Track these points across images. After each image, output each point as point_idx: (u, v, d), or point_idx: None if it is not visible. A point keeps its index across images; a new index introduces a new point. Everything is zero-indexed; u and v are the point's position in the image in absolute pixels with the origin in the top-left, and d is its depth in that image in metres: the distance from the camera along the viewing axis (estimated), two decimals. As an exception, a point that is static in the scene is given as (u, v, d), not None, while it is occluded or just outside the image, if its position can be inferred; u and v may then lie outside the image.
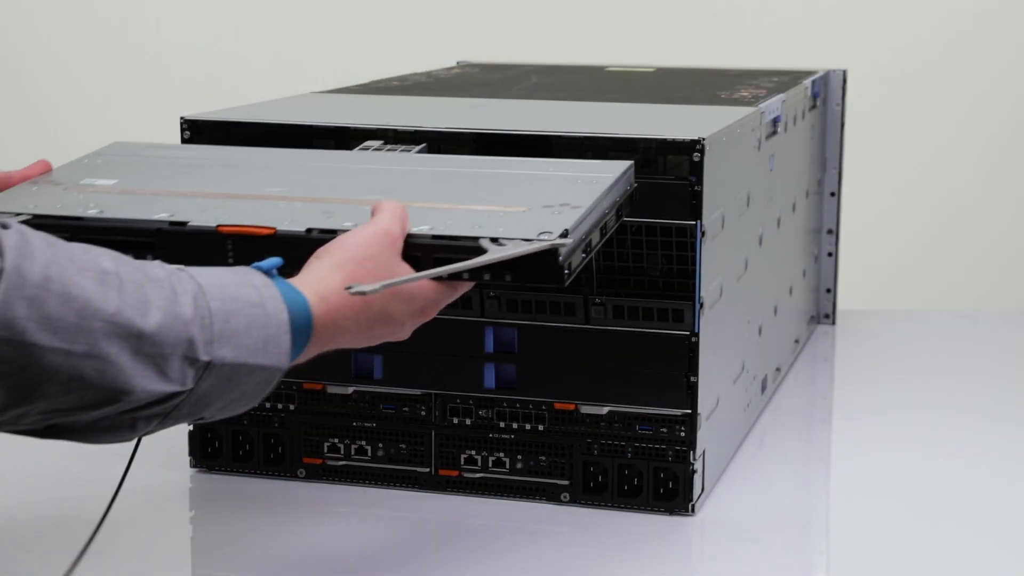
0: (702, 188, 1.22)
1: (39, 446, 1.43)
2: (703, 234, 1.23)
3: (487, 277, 1.01)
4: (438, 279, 1.02)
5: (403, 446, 1.30)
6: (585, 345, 1.26)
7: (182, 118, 1.33)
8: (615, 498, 1.26)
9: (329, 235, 1.04)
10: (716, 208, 1.27)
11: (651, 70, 1.87)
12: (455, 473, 1.29)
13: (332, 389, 1.31)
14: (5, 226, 0.87)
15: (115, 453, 1.39)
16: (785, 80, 1.72)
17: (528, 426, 1.28)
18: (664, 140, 1.23)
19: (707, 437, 1.28)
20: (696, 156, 1.21)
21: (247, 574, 1.16)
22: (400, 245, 1.03)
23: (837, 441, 1.50)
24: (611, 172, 1.16)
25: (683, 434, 1.25)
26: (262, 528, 1.23)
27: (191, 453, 1.34)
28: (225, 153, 1.27)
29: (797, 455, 1.46)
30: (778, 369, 1.62)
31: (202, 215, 1.09)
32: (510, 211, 1.08)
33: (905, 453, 1.43)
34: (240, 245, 1.07)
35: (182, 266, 0.94)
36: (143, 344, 0.88)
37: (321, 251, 1.01)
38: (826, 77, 1.85)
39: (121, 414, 0.91)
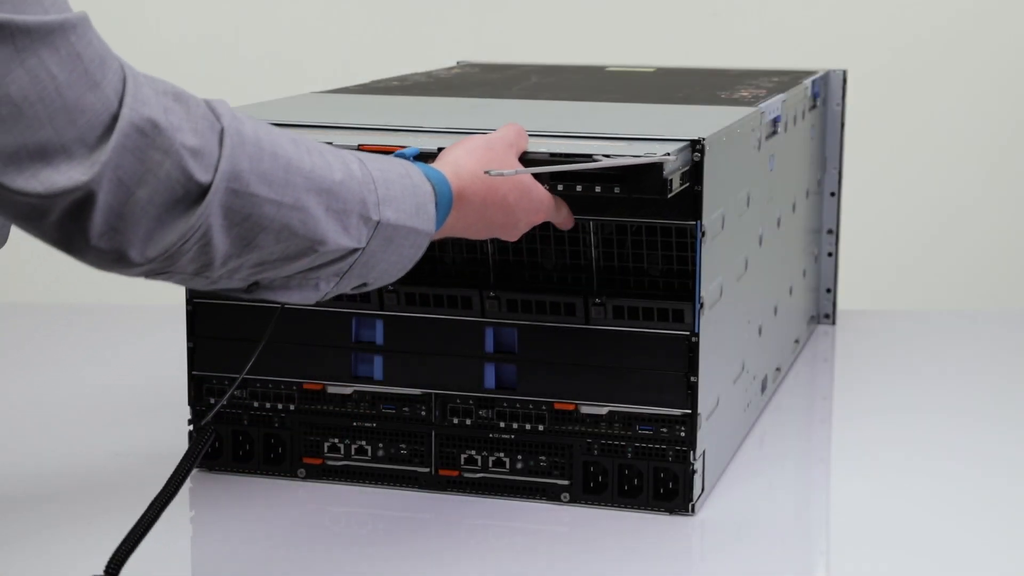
0: (702, 188, 1.22)
1: (40, 443, 1.43)
2: (703, 234, 1.23)
3: (598, 190, 1.15)
4: (554, 188, 1.17)
5: (403, 446, 1.30)
6: (585, 345, 1.26)
7: (182, 118, 1.33)
8: (615, 498, 1.26)
9: None
10: (716, 208, 1.27)
11: (651, 70, 1.87)
12: (455, 473, 1.29)
13: (332, 389, 1.31)
14: (205, 101, 0.96)
15: (114, 453, 1.40)
16: (785, 80, 1.72)
17: (528, 426, 1.28)
18: (664, 140, 1.22)
19: (707, 437, 1.28)
20: (696, 156, 1.21)
21: (247, 574, 1.16)
22: (517, 151, 1.17)
23: (837, 441, 1.50)
24: (682, 141, 1.23)
25: (683, 434, 1.25)
26: (262, 528, 1.23)
27: (191, 453, 1.34)
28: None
29: (797, 455, 1.46)
30: (778, 369, 1.62)
31: (343, 138, 1.21)
32: (613, 144, 1.21)
33: (905, 453, 1.43)
34: None
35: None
36: (332, 200, 1.01)
37: (452, 145, 1.16)
38: (826, 77, 1.85)
39: (308, 271, 1.03)
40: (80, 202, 0.89)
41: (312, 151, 1.01)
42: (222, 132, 0.95)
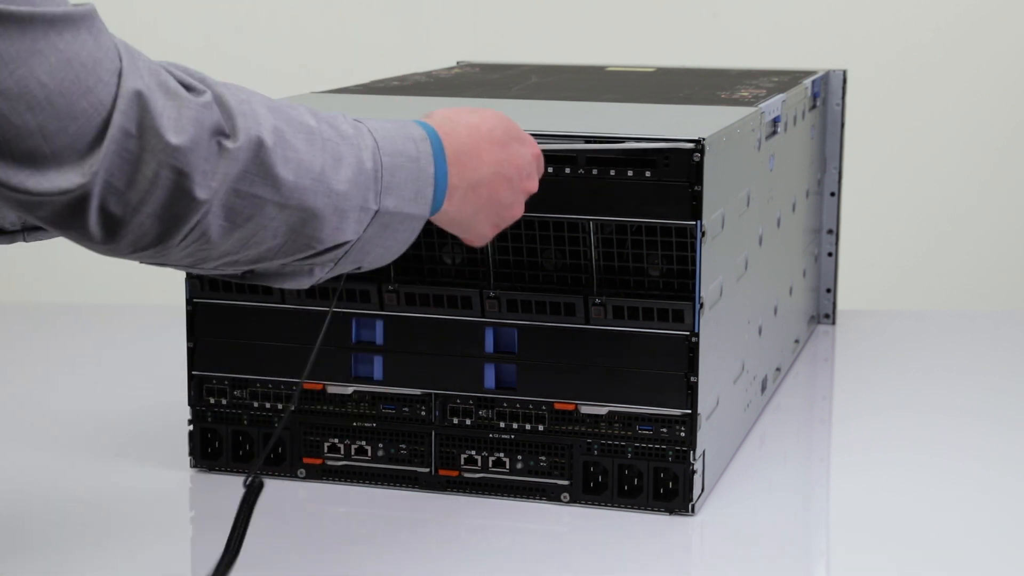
0: (702, 188, 1.22)
1: (38, 446, 1.43)
2: (703, 234, 1.23)
3: (630, 174, 1.22)
4: (588, 171, 1.22)
5: (403, 446, 1.30)
6: (585, 345, 1.26)
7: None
8: (615, 498, 1.26)
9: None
10: (716, 208, 1.27)
11: (651, 70, 1.87)
12: (455, 473, 1.29)
13: (332, 389, 1.31)
14: (217, 96, 0.96)
15: (114, 453, 1.40)
16: (785, 80, 1.72)
17: (528, 426, 1.28)
18: (664, 140, 1.22)
19: (707, 437, 1.28)
20: (696, 156, 1.21)
21: (247, 574, 1.16)
22: (502, 156, 1.14)
23: (837, 441, 1.51)
24: (682, 141, 1.25)
25: (683, 434, 1.25)
26: (262, 528, 1.23)
27: (191, 453, 1.34)
28: None
29: (797, 455, 1.46)
30: (778, 369, 1.62)
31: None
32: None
33: (905, 453, 1.43)
34: None
35: (359, 119, 1.06)
36: (339, 200, 1.00)
37: (461, 123, 1.12)
38: (826, 77, 1.85)
39: (302, 260, 1.02)
40: (74, 201, 0.88)
41: (326, 145, 0.99)
42: (232, 130, 0.94)
